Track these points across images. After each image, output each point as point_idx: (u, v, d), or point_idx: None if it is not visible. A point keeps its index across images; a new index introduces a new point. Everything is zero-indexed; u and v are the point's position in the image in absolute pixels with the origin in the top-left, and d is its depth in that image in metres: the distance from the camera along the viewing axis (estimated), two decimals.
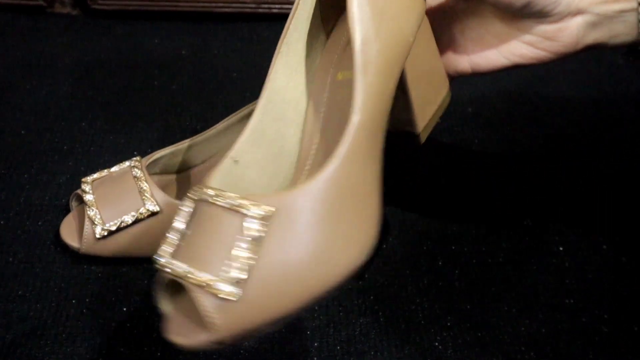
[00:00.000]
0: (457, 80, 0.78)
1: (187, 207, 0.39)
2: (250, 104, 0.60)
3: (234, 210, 0.35)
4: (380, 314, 0.54)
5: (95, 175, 0.57)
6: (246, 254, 0.34)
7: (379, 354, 0.51)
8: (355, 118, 0.36)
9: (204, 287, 0.35)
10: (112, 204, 0.55)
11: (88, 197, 0.55)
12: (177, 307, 0.38)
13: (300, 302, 0.34)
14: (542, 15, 0.41)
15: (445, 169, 0.66)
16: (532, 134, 0.71)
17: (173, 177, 0.61)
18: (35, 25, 0.79)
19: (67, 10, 0.80)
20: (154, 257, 0.39)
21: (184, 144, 0.60)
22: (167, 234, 0.39)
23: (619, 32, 0.41)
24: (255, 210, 0.34)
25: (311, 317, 0.54)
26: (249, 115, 0.60)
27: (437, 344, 0.52)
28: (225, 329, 0.35)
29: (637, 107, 0.75)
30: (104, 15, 0.80)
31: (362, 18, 0.37)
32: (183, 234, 0.38)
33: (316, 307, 0.55)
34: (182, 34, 0.80)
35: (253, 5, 0.80)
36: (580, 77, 0.79)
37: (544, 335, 0.53)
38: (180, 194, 0.59)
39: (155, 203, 0.54)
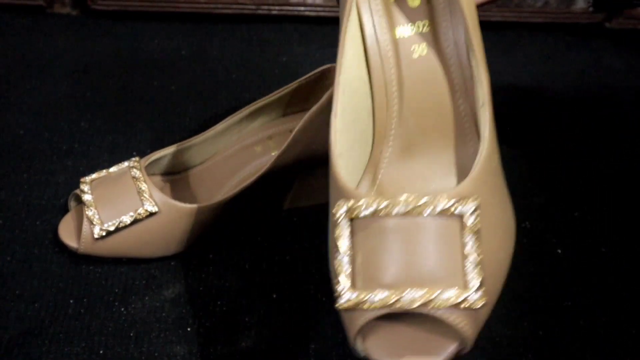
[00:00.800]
0: None
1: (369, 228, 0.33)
2: (249, 105, 0.60)
3: (449, 212, 0.32)
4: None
5: (94, 176, 0.57)
6: (474, 252, 0.32)
7: None
8: (487, 98, 0.36)
9: (457, 305, 0.31)
10: (110, 204, 0.55)
11: (87, 197, 0.55)
12: (382, 337, 0.33)
13: (503, 283, 0.34)
14: None
15: None
16: (531, 136, 0.71)
17: (172, 177, 0.61)
18: (35, 25, 0.79)
19: (66, 10, 0.80)
20: (350, 300, 0.32)
21: (183, 144, 0.60)
22: (338, 265, 0.33)
23: None
24: (471, 204, 0.32)
25: (309, 319, 0.54)
26: (248, 116, 0.61)
27: None
28: (473, 334, 0.33)
29: (634, 108, 0.75)
30: (104, 15, 0.80)
31: None
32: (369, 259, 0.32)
33: (315, 310, 0.55)
34: (182, 34, 0.80)
35: (253, 7, 0.80)
36: (579, 79, 0.79)
37: (542, 337, 0.53)
38: (179, 195, 0.59)
39: (153, 204, 0.54)
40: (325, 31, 0.81)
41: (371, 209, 0.32)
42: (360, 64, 0.38)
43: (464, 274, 0.32)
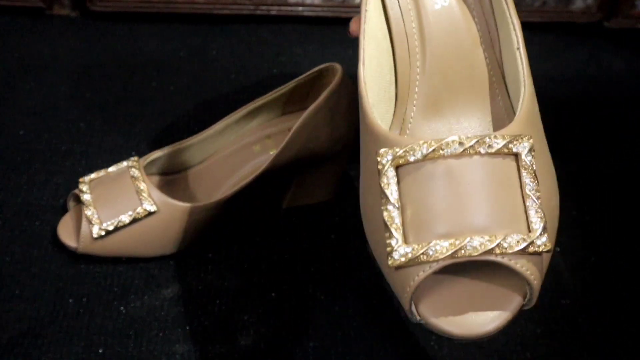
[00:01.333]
0: None
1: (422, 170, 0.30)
2: (247, 104, 0.60)
3: (505, 151, 0.30)
4: (376, 314, 0.54)
5: (93, 175, 0.58)
6: (534, 192, 0.30)
7: (374, 354, 0.51)
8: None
9: (524, 250, 0.29)
10: (109, 204, 0.55)
11: (85, 197, 0.56)
12: (441, 298, 0.30)
13: (556, 235, 0.33)
14: None
15: None
16: None
17: (171, 177, 0.61)
18: (34, 26, 0.79)
19: (66, 12, 0.81)
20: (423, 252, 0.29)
21: (181, 144, 0.60)
22: (389, 217, 0.29)
23: None
24: (527, 143, 0.30)
25: (308, 318, 0.54)
26: (246, 116, 0.61)
27: (432, 343, 0.52)
28: (539, 284, 0.31)
29: (634, 108, 0.75)
30: (103, 17, 0.80)
31: None
32: (421, 205, 0.29)
33: (313, 309, 0.55)
34: (181, 35, 0.80)
35: (251, 7, 0.80)
36: (577, 78, 0.79)
37: (539, 335, 0.53)
38: (178, 194, 0.59)
39: (152, 203, 0.55)
40: (323, 31, 0.81)
41: (420, 153, 0.30)
42: (381, 15, 0.37)
43: (527, 217, 0.30)
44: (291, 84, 0.60)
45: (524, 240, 0.30)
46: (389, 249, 0.30)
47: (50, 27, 0.79)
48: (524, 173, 0.30)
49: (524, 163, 0.30)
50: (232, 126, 0.61)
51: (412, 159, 0.30)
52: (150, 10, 0.80)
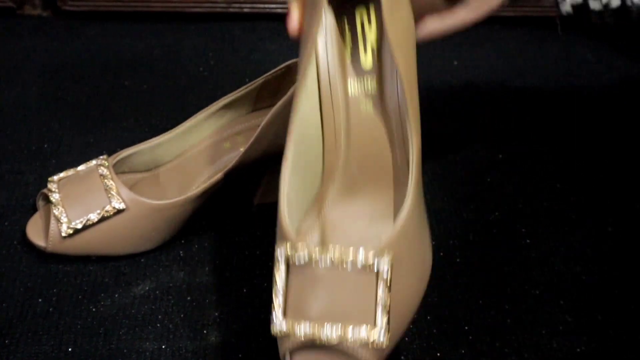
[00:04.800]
0: (430, 73, 0.78)
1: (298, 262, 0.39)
2: (217, 101, 0.60)
3: (368, 268, 0.38)
4: None
5: (62, 175, 0.57)
6: (385, 298, 0.38)
7: None
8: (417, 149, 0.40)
9: (367, 344, 0.37)
10: (78, 203, 0.55)
11: (54, 196, 0.55)
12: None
13: (411, 320, 0.41)
14: None
15: None
16: (501, 127, 0.71)
17: (141, 175, 0.61)
18: (5, 26, 0.79)
19: (37, 11, 0.80)
20: (278, 326, 0.39)
21: (152, 142, 0.60)
22: (275, 297, 0.39)
23: None
24: (386, 259, 0.38)
25: None
26: (216, 113, 0.61)
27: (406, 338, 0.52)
28: None
29: (606, 98, 0.76)
30: (75, 16, 0.80)
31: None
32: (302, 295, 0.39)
33: None
34: (153, 34, 0.80)
35: (224, 5, 0.80)
36: (551, 71, 0.80)
37: (509, 325, 0.53)
38: (150, 192, 0.59)
39: (121, 201, 0.54)
40: None
41: (304, 259, 0.38)
42: (315, 113, 0.44)
43: (375, 318, 0.38)
44: (259, 80, 0.60)
45: (366, 335, 0.38)
46: (271, 319, 0.39)
47: (22, 27, 0.79)
48: (380, 284, 0.38)
49: (381, 276, 0.38)
50: (202, 124, 0.61)
51: (297, 262, 0.38)
52: (122, 9, 0.80)
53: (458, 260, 0.58)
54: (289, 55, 0.65)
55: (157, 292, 0.55)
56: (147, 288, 0.55)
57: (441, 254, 0.59)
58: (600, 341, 0.52)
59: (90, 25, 0.80)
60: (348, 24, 0.44)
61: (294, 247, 0.39)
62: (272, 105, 0.60)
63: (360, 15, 0.44)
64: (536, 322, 0.54)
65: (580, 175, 0.66)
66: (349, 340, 0.38)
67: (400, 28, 0.41)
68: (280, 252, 0.39)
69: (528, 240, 0.60)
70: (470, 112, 0.73)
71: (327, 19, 0.44)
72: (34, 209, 0.59)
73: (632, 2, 0.48)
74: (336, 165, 0.44)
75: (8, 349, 0.50)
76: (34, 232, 0.56)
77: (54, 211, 0.55)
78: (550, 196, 0.64)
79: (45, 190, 0.57)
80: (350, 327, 0.37)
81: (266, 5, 0.80)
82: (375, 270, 0.38)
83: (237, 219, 0.61)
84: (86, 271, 0.56)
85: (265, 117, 0.56)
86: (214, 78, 0.76)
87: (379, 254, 0.38)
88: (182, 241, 0.59)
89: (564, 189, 0.65)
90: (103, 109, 0.71)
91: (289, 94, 0.56)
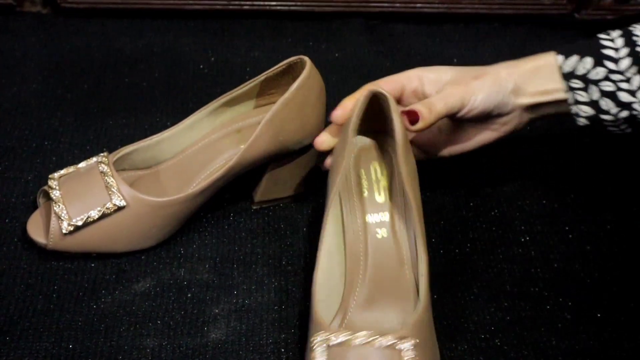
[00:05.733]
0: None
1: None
2: (218, 99, 0.60)
3: (392, 347, 0.45)
4: None
5: (62, 172, 0.57)
6: None
7: None
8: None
9: None
10: (78, 200, 0.55)
11: (55, 193, 0.55)
12: None
13: None
14: (501, 115, 0.56)
15: None
16: None
17: (141, 172, 0.61)
18: (5, 23, 0.78)
19: (37, 9, 0.80)
20: None
21: (152, 139, 0.60)
22: None
23: (550, 112, 0.57)
24: (409, 342, 0.45)
25: (280, 311, 0.54)
26: (215, 110, 0.61)
27: None
28: None
29: None
30: (74, 13, 0.79)
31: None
32: None
33: (284, 302, 0.55)
34: (153, 31, 0.80)
35: (224, 2, 0.80)
36: None
37: (508, 322, 0.54)
38: (150, 190, 0.59)
39: (121, 198, 0.55)
40: (296, 26, 0.81)
41: (340, 340, 0.45)
42: (339, 239, 0.55)
43: None
44: (260, 77, 0.60)
45: None
46: None
47: (21, 24, 0.79)
48: None
49: (403, 355, 0.45)
50: (203, 121, 0.61)
51: (333, 343, 0.46)
52: (121, 6, 0.80)
53: (458, 257, 0.59)
54: (288, 53, 0.65)
55: (158, 289, 0.55)
56: (147, 285, 0.55)
57: (441, 251, 0.59)
58: (599, 339, 0.53)
59: (89, 22, 0.79)
60: (365, 173, 0.57)
61: (332, 333, 0.46)
62: (273, 102, 0.61)
63: (374, 167, 0.57)
64: (536, 319, 0.54)
65: (575, 171, 0.66)
66: None
67: (410, 169, 0.52)
68: (318, 337, 0.46)
69: (527, 238, 0.60)
70: None
71: (350, 167, 0.56)
72: (34, 206, 0.59)
73: (638, 111, 0.53)
74: (356, 282, 0.53)
75: (9, 345, 0.51)
76: (35, 229, 0.56)
77: (55, 208, 0.55)
78: (550, 195, 0.64)
79: (45, 187, 0.57)
80: None
81: (266, 3, 0.80)
82: (398, 349, 0.45)
83: (238, 216, 0.61)
84: (87, 268, 0.56)
85: (266, 115, 0.56)
86: (213, 75, 0.76)
87: (402, 338, 0.45)
88: (183, 238, 0.59)
89: (564, 188, 0.65)
90: (103, 106, 0.71)
91: (290, 91, 0.56)
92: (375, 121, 0.55)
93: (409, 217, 0.54)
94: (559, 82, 0.54)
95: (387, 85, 0.57)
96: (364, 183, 0.57)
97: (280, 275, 0.57)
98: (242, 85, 0.60)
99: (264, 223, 0.61)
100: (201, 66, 0.77)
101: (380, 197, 0.56)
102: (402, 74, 0.58)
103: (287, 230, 0.61)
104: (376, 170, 0.57)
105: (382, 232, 0.55)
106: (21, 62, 0.75)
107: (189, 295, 0.55)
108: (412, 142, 0.58)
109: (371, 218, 0.55)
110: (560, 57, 0.54)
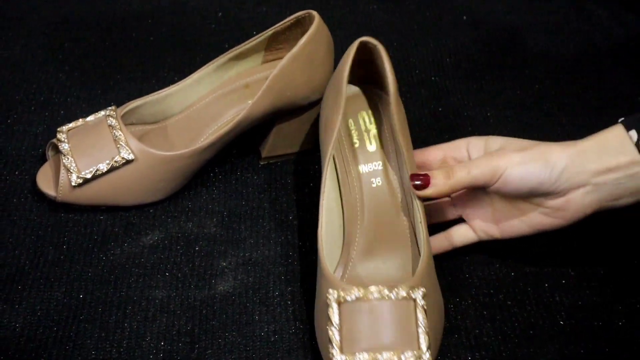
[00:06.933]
0: (435, 31, 0.78)
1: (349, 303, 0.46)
2: (225, 53, 0.60)
3: (407, 297, 0.46)
4: None
5: (71, 125, 0.58)
6: (424, 320, 0.46)
7: None
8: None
9: None
10: (87, 153, 0.55)
11: (63, 146, 0.56)
12: None
13: (439, 347, 0.48)
14: (548, 195, 0.49)
15: (421, 121, 0.67)
16: (511, 85, 0.71)
17: (149, 127, 0.61)
18: None
19: None
20: None
21: (160, 93, 0.60)
22: (332, 335, 0.46)
23: (620, 196, 0.49)
24: (421, 291, 0.46)
25: (286, 264, 0.55)
26: (223, 65, 0.60)
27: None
28: None
29: (619, 58, 0.75)
30: None
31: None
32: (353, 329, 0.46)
33: (292, 255, 0.56)
34: None
35: None
36: (560, 28, 0.79)
37: (512, 278, 0.54)
38: (158, 144, 0.59)
39: (130, 151, 0.55)
40: None
41: (354, 296, 0.46)
42: (336, 193, 0.55)
43: (418, 340, 0.45)
44: (268, 32, 0.59)
45: (415, 356, 0.45)
46: (330, 355, 0.46)
47: None
48: (417, 310, 0.46)
49: (418, 304, 0.46)
50: (211, 75, 0.61)
51: (348, 299, 0.46)
52: None
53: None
54: (296, 7, 0.65)
55: (166, 242, 0.56)
56: (156, 238, 0.56)
57: None
58: (602, 295, 0.53)
59: None
60: (354, 124, 0.56)
61: (345, 290, 0.46)
62: (280, 57, 0.60)
63: (362, 117, 0.57)
64: (540, 275, 0.54)
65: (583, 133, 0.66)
66: None
67: (402, 117, 0.53)
68: (333, 296, 0.46)
69: None
70: (476, 69, 0.73)
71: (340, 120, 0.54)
72: (43, 159, 0.59)
73: None
74: (354, 233, 0.53)
75: (21, 294, 0.52)
76: (44, 181, 0.57)
77: (64, 161, 0.55)
78: None
79: (54, 140, 0.57)
80: (401, 352, 0.45)
81: None
82: (413, 299, 0.46)
83: (245, 171, 0.61)
84: (96, 220, 0.57)
85: (274, 70, 0.56)
86: (221, 30, 0.76)
87: (414, 287, 0.46)
88: (191, 192, 0.59)
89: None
90: (110, 61, 0.71)
91: (298, 45, 0.56)
92: (361, 70, 0.54)
93: (401, 165, 0.53)
94: (632, 154, 0.47)
95: (423, 155, 0.55)
96: (354, 134, 0.56)
97: (287, 230, 0.57)
98: (249, 40, 0.60)
99: (271, 178, 0.61)
100: (208, 21, 0.76)
101: (372, 146, 0.56)
102: (451, 142, 0.55)
103: (294, 185, 0.61)
104: (365, 120, 0.56)
105: (376, 181, 0.55)
106: (27, 16, 0.75)
107: (197, 248, 0.56)
108: (466, 220, 0.55)
109: (364, 168, 0.55)
110: (632, 131, 0.47)
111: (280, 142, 0.61)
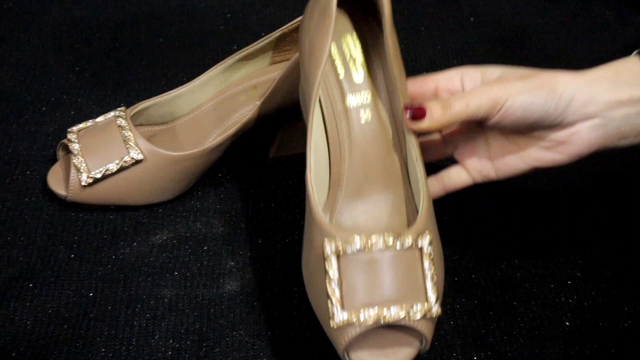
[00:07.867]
0: (443, 32, 0.78)
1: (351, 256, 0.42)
2: (234, 54, 0.61)
3: (414, 246, 0.42)
4: None
5: (81, 125, 0.58)
6: (432, 270, 0.42)
7: None
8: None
9: (424, 316, 0.41)
10: (97, 153, 0.56)
11: (74, 146, 0.56)
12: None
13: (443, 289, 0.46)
14: (552, 127, 0.45)
15: None
16: None
17: (158, 128, 0.62)
18: None
19: None
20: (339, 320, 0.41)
21: (169, 94, 0.61)
22: (332, 290, 0.41)
23: (627, 134, 0.45)
24: (427, 238, 0.42)
25: (294, 264, 0.56)
26: (231, 66, 0.61)
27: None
28: (432, 335, 0.43)
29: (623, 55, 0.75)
30: None
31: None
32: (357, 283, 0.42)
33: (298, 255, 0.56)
34: None
35: None
36: (567, 29, 0.79)
37: (518, 279, 0.55)
38: (166, 145, 0.60)
39: (139, 151, 0.55)
40: None
41: (355, 248, 0.41)
42: (320, 128, 0.49)
43: (425, 291, 0.42)
44: (275, 33, 0.60)
45: (424, 309, 0.41)
46: (330, 313, 0.41)
47: None
48: (425, 260, 0.42)
49: (425, 252, 0.42)
50: (219, 76, 0.61)
51: (349, 251, 0.41)
52: None
53: (467, 214, 0.59)
54: (304, 9, 0.65)
55: (175, 241, 0.56)
56: (164, 237, 0.57)
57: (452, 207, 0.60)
58: (608, 296, 0.53)
59: None
60: (337, 50, 0.50)
61: (345, 240, 0.41)
62: (288, 58, 0.61)
63: (346, 43, 0.50)
64: (545, 276, 0.55)
65: None
66: (410, 315, 0.41)
67: (395, 42, 0.47)
68: (331, 248, 0.42)
69: (538, 197, 0.61)
70: None
71: None
72: (54, 159, 0.60)
73: None
74: (342, 173, 0.48)
75: (32, 292, 0.52)
76: (55, 181, 0.57)
77: (74, 161, 0.56)
78: None
79: (65, 141, 0.58)
80: (410, 304, 0.41)
81: None
82: (419, 247, 0.42)
83: (253, 172, 0.62)
84: (106, 220, 0.57)
85: (281, 71, 0.56)
86: (229, 31, 0.76)
87: (420, 235, 0.42)
88: (199, 193, 0.60)
89: None
90: (120, 62, 0.71)
91: None
92: None
93: (392, 96, 0.48)
94: None
95: (412, 86, 0.49)
96: (338, 62, 0.49)
97: (294, 229, 0.58)
98: (257, 41, 0.61)
99: (279, 178, 0.62)
100: (217, 22, 0.77)
101: (359, 76, 0.49)
102: (442, 72, 0.50)
103: (301, 186, 0.61)
104: (349, 46, 0.49)
105: (365, 116, 0.49)
106: (38, 18, 0.76)
107: (205, 248, 0.56)
108: (458, 160, 0.51)
109: (351, 101, 0.49)
110: None
111: (288, 143, 0.62)
